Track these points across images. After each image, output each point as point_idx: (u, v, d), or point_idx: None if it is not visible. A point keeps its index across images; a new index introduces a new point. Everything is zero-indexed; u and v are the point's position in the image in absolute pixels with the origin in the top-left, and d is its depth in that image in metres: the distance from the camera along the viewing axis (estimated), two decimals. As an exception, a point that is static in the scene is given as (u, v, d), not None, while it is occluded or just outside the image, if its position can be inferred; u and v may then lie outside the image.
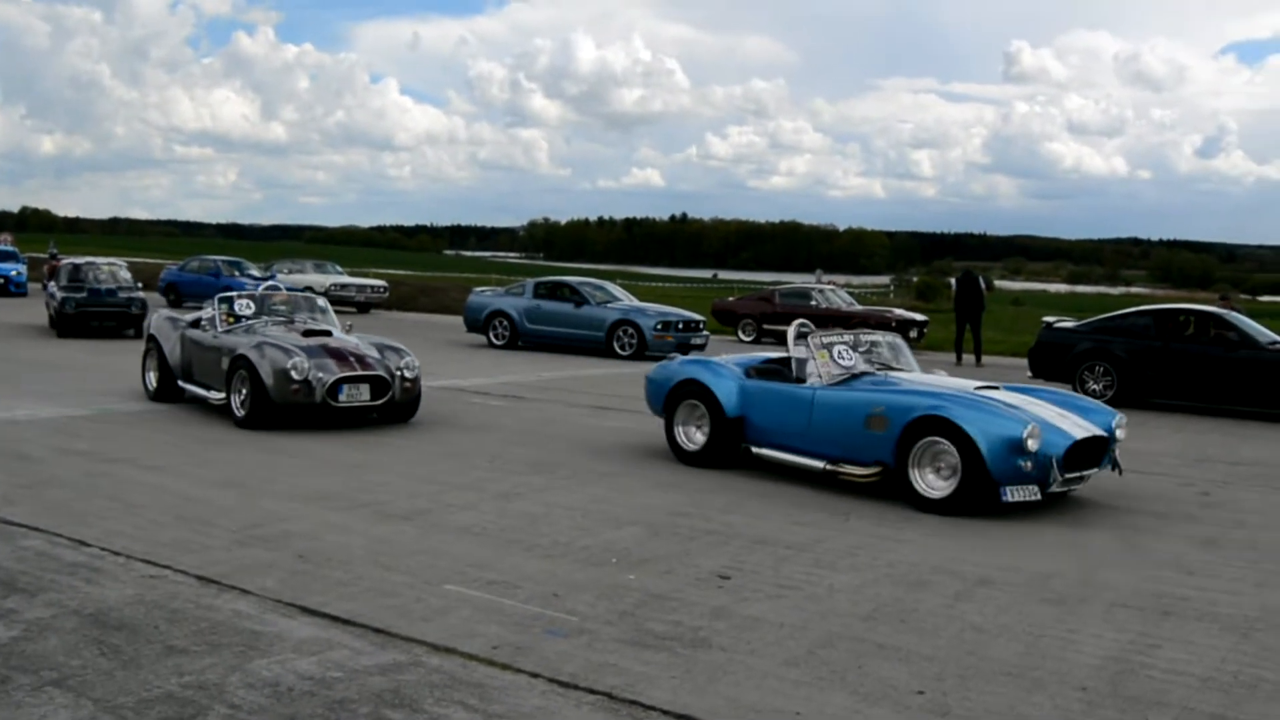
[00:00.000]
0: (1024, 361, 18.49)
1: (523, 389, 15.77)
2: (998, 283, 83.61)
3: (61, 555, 6.57)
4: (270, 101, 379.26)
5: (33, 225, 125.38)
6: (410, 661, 5.05)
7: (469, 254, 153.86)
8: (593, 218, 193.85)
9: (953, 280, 28.19)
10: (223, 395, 11.70)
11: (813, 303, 26.90)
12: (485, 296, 24.24)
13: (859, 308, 27.44)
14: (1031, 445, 8.20)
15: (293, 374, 11.06)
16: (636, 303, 23.43)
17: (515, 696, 4.69)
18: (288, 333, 12.16)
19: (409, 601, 5.93)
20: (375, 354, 11.91)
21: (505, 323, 22.84)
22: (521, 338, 22.46)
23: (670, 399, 10.47)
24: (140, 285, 24.01)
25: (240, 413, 11.38)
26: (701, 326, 22.53)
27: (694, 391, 10.23)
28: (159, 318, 13.70)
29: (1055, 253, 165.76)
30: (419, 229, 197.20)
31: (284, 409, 11.20)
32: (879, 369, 9.83)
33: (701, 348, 22.18)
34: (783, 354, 10.69)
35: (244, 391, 11.33)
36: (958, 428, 8.37)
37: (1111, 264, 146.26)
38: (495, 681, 4.85)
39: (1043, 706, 4.80)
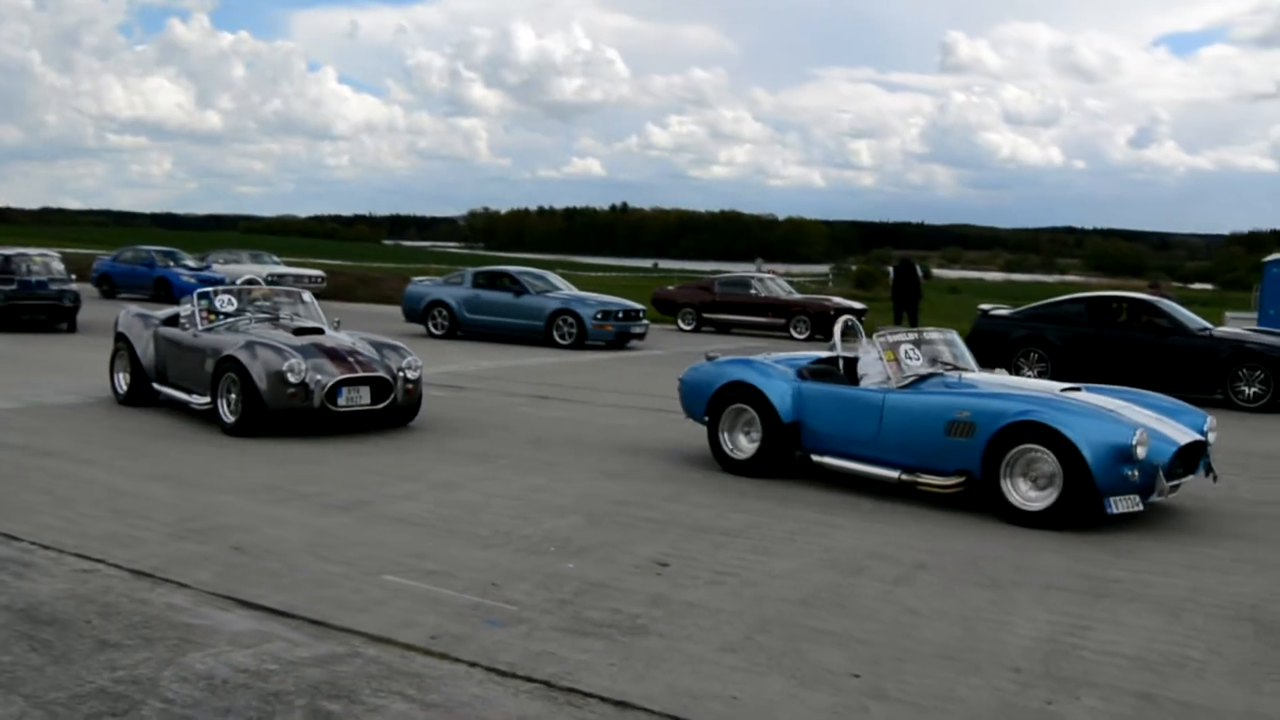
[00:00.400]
0: (960, 349, 18.65)
1: (462, 379, 15.71)
2: (935, 271, 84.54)
3: (-9, 550, 6.46)
4: (205, 90, 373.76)
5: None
6: (348, 653, 5.03)
7: (408, 244, 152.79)
8: (533, 207, 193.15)
9: (890, 269, 28.44)
10: (207, 400, 10.87)
11: (752, 291, 27.02)
12: (424, 286, 24.11)
13: (798, 296, 27.59)
14: (1140, 453, 7.63)
15: (289, 376, 10.22)
16: (576, 292, 23.41)
17: (453, 686, 4.68)
18: (276, 331, 11.37)
19: (347, 593, 5.89)
20: (374, 353, 11.16)
21: (444, 312, 22.73)
22: (461, 327, 22.36)
23: (714, 403, 9.67)
24: (73, 277, 22.86)
25: (229, 419, 10.54)
26: (641, 315, 22.55)
27: (742, 395, 9.45)
28: (127, 315, 12.73)
29: (992, 241, 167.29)
30: (357, 219, 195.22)
31: (278, 415, 10.37)
32: (944, 368, 9.18)
33: (641, 336, 22.23)
34: (829, 352, 10.05)
35: (233, 396, 10.52)
36: (1059, 434, 7.74)
37: (1047, 252, 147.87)
38: (433, 671, 4.84)
39: (977, 688, 4.86)
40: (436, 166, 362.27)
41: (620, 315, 21.84)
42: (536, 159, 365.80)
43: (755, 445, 9.38)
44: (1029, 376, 16.47)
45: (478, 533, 7.26)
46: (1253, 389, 15.22)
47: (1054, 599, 6.22)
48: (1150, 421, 8.15)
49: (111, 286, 31.23)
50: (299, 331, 11.33)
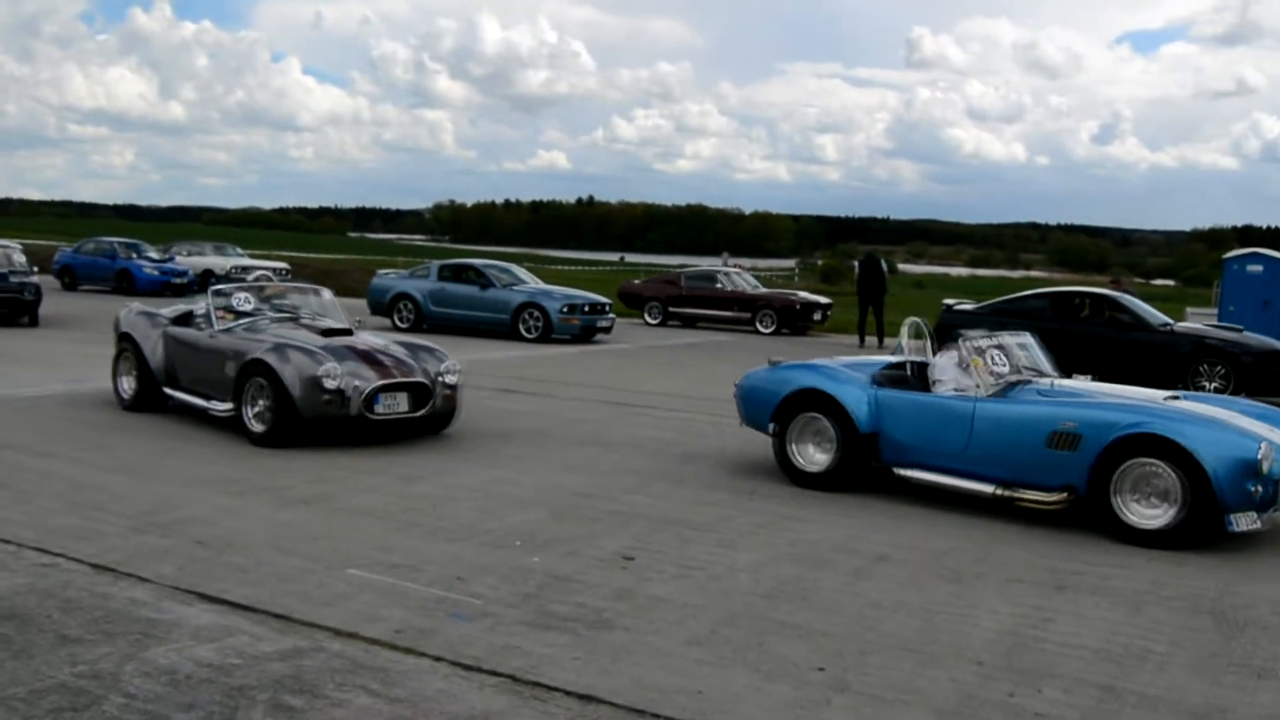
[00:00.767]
0: (925, 343, 18.75)
1: (427, 372, 15.62)
2: (901, 266, 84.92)
3: (-51, 544, 6.39)
4: (168, 80, 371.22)
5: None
6: (311, 647, 5.00)
7: (374, 236, 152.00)
8: (499, 200, 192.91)
9: (856, 263, 28.52)
10: (229, 406, 10.03)
11: (718, 285, 27.06)
12: (389, 279, 24.01)
13: (764, 290, 27.64)
14: (1266, 466, 7.15)
15: (325, 382, 9.41)
16: (542, 285, 23.38)
17: (418, 680, 4.67)
18: (301, 331, 10.55)
19: (310, 587, 5.87)
20: (408, 357, 10.33)
21: (410, 305, 22.64)
22: (426, 320, 22.28)
23: (781, 412, 9.02)
24: (35, 269, 22.23)
25: (257, 428, 9.72)
26: (608, 309, 22.55)
27: (814, 403, 8.78)
28: (131, 313, 11.81)
29: (957, 237, 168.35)
30: (322, 211, 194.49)
31: (312, 423, 9.60)
32: (1029, 374, 8.70)
33: (608, 330, 22.22)
34: (897, 357, 9.37)
35: (261, 403, 9.69)
36: (1179, 447, 7.21)
37: (1011, 248, 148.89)
38: (398, 666, 4.83)
39: (939, 680, 4.89)
40: (402, 159, 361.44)
41: (586, 309, 21.82)
42: (502, 152, 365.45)
43: (829, 457, 8.72)
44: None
45: (442, 526, 7.24)
46: (1213, 384, 15.36)
47: (1016, 591, 6.27)
48: (1265, 432, 7.61)
49: (73, 278, 30.94)
50: (327, 333, 10.57)
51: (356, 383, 9.63)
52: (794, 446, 8.95)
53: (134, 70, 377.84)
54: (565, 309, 21.42)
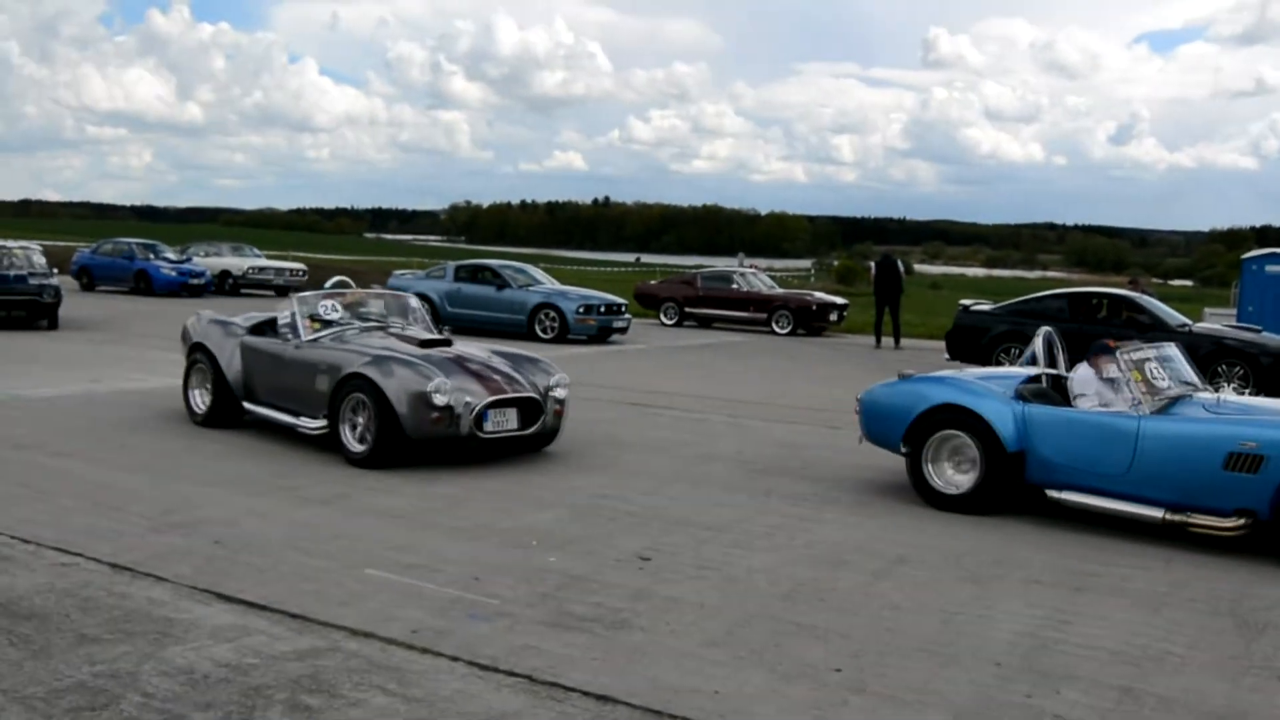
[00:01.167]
0: (942, 344, 18.75)
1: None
2: (917, 267, 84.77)
3: (-31, 544, 6.42)
4: (185, 81, 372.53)
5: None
6: (329, 647, 5.01)
7: (390, 237, 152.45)
8: (515, 201, 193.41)
9: (872, 264, 28.48)
10: (321, 424, 9.36)
11: (734, 286, 27.05)
12: (406, 280, 24.07)
13: (780, 291, 27.62)
14: None
15: (435, 399, 8.71)
16: (558, 286, 23.42)
17: (435, 680, 4.67)
18: (395, 341, 9.85)
19: (327, 586, 5.87)
20: (515, 369, 9.65)
21: (426, 306, 22.59)
22: (443, 321, 22.29)
23: (915, 429, 8.39)
24: (55, 270, 21.41)
25: (357, 448, 9.02)
26: (624, 310, 22.56)
27: (953, 420, 8.19)
28: (203, 322, 11.11)
29: (973, 237, 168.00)
30: (339, 212, 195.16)
31: (419, 443, 8.95)
32: (1187, 388, 8.11)
33: (623, 331, 22.22)
34: (1032, 369, 8.95)
35: (362, 421, 9.01)
36: None
37: (1028, 248, 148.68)
38: (415, 665, 4.83)
39: (957, 681, 4.87)
40: (418, 159, 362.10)
41: (602, 309, 21.83)
42: (518, 152, 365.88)
43: (971, 478, 8.12)
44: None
45: (459, 526, 7.25)
46: (1231, 385, 15.29)
47: (1034, 593, 6.25)
48: None
49: (91, 279, 31.06)
50: (425, 343, 9.84)
51: (467, 399, 8.92)
52: (929, 468, 8.33)
53: (152, 71, 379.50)
54: (581, 309, 21.44)
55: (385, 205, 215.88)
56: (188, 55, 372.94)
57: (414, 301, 11.24)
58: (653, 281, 30.41)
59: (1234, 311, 24.36)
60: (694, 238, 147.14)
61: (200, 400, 10.79)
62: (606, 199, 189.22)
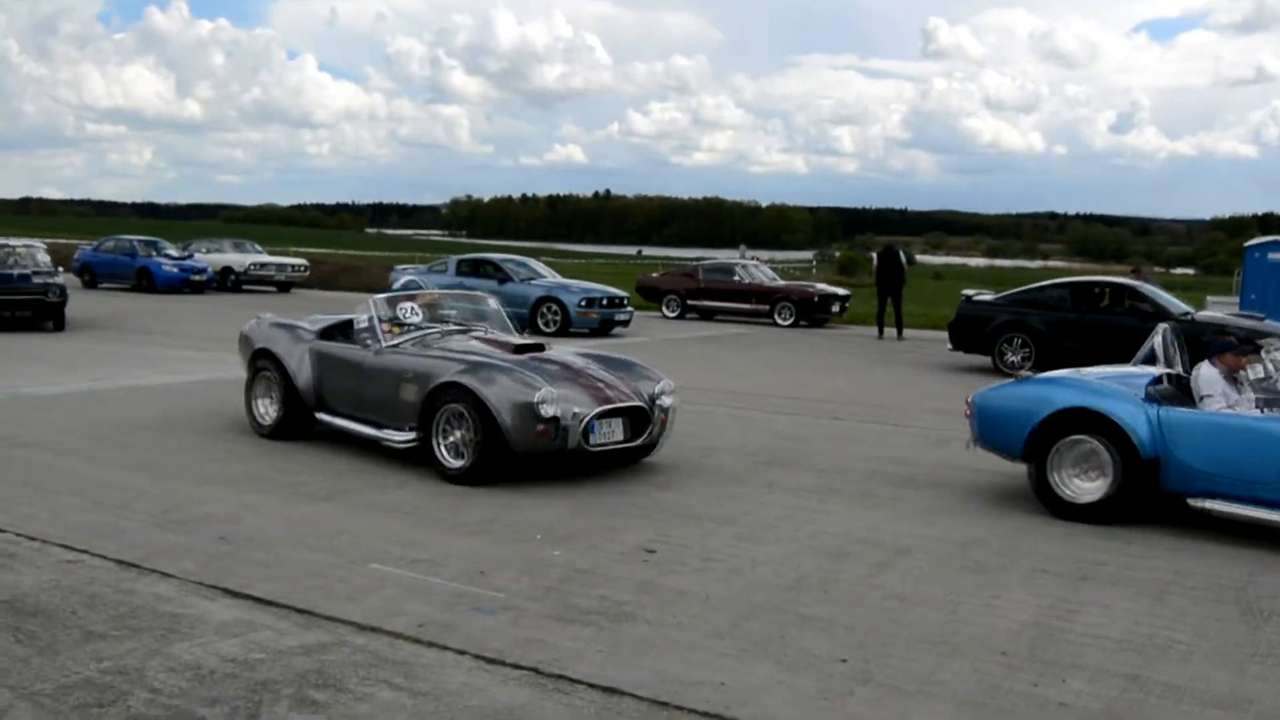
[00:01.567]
0: (944, 334, 18.75)
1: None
2: (919, 257, 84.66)
3: (-26, 542, 6.43)
4: (185, 78, 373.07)
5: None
6: (335, 641, 5.02)
7: (391, 232, 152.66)
8: (516, 195, 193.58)
9: (874, 255, 28.47)
10: (410, 437, 8.67)
11: (736, 278, 27.02)
12: (408, 275, 24.08)
13: (782, 283, 27.60)
14: None
15: (542, 409, 8.03)
16: (560, 279, 23.43)
17: (441, 674, 4.68)
18: (486, 347, 9.15)
19: (333, 581, 5.88)
20: (618, 376, 9.00)
21: (428, 300, 22.68)
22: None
23: (1040, 435, 7.83)
24: (60, 270, 20.85)
25: (454, 463, 8.34)
26: (625, 303, 22.56)
27: (1083, 424, 7.63)
28: (264, 326, 10.51)
29: (975, 227, 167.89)
30: (340, 207, 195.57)
31: (523, 457, 8.29)
32: None
33: (626, 324, 22.22)
34: (1155, 369, 8.55)
35: (458, 434, 8.33)
36: None
37: (1029, 238, 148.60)
38: (421, 659, 4.83)
39: (962, 672, 4.88)
40: (418, 154, 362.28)
41: (604, 302, 21.83)
42: (519, 146, 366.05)
43: (1103, 486, 7.60)
44: (1012, 361, 16.62)
45: (462, 521, 7.25)
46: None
47: (1039, 583, 6.25)
48: None
49: (93, 277, 31.06)
50: (519, 349, 9.12)
51: (575, 409, 8.26)
52: (1055, 475, 7.79)
53: (151, 69, 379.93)
54: (583, 303, 21.44)
55: (386, 200, 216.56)
56: (186, 52, 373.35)
57: (493, 302, 10.60)
58: (654, 274, 30.40)
59: (1237, 299, 24.35)
60: (695, 230, 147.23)
61: (266, 411, 10.07)
62: (607, 192, 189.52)
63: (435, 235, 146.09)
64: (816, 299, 25.73)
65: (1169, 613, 5.79)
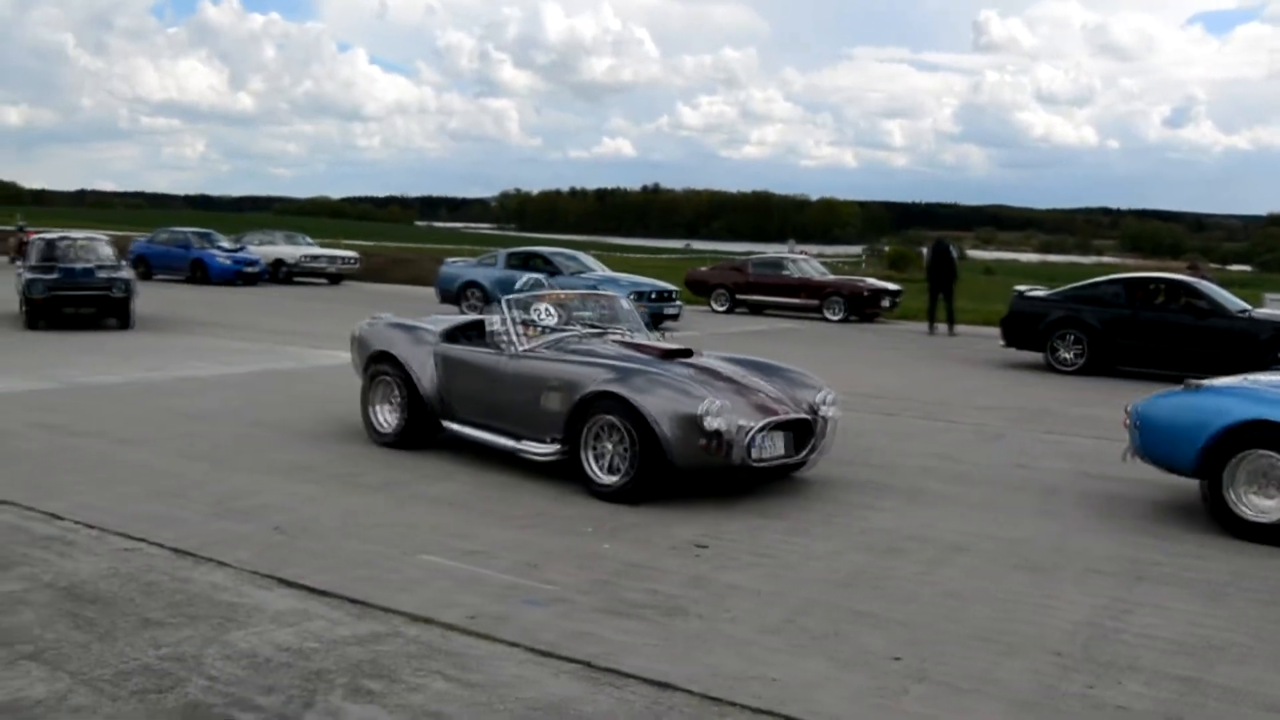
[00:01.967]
0: (996, 330, 18.60)
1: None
2: (969, 252, 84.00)
3: (33, 529, 6.52)
4: (237, 71, 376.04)
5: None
6: (388, 632, 5.05)
7: (441, 225, 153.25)
8: (564, 188, 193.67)
9: (925, 250, 28.29)
10: (553, 449, 8.04)
11: (785, 272, 26.94)
12: (458, 267, 24.22)
13: (832, 277, 27.49)
14: None
15: (707, 422, 7.35)
16: (609, 273, 23.47)
17: (493, 665, 4.70)
18: (629, 350, 8.53)
19: (386, 572, 5.92)
20: (775, 384, 8.35)
21: (478, 293, 22.77)
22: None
23: (1215, 449, 7.26)
24: (124, 263, 19.83)
25: (606, 480, 7.70)
26: (674, 296, 22.54)
27: (1263, 438, 7.08)
28: (383, 327, 9.80)
29: (1026, 222, 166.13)
30: (390, 200, 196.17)
31: (684, 474, 7.67)
32: None
33: (675, 318, 22.19)
34: None
35: (612, 448, 7.70)
36: None
37: (1082, 233, 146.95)
38: (473, 651, 4.85)
39: (1017, 670, 4.84)
40: (468, 147, 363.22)
41: (653, 296, 21.82)
42: (567, 139, 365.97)
43: None
44: (1065, 358, 16.46)
45: (513, 513, 7.28)
46: (1294, 371, 15.05)
47: (1094, 582, 6.18)
48: None
49: (148, 268, 31.39)
50: (667, 354, 8.43)
51: (740, 422, 7.60)
52: (1229, 492, 7.24)
53: (204, 62, 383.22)
54: (632, 296, 21.34)
55: (435, 193, 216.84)
56: (239, 46, 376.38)
57: (625, 302, 10.01)
58: (703, 268, 30.34)
59: (1294, 296, 23.94)
60: (744, 224, 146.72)
61: (386, 418, 9.44)
62: (656, 185, 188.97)
63: (484, 228, 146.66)
64: (867, 294, 25.61)
65: (1226, 614, 5.72)
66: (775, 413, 7.89)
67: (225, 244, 31.78)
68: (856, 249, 76.31)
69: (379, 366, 9.48)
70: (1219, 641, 5.30)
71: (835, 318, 25.14)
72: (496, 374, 8.63)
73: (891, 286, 26.88)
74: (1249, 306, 16.72)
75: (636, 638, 5.08)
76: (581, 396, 7.83)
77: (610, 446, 7.73)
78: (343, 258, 34.01)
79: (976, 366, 17.35)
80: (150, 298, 23.93)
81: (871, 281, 27.53)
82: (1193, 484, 7.84)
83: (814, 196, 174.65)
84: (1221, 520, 7.33)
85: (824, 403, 8.20)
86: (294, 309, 23.97)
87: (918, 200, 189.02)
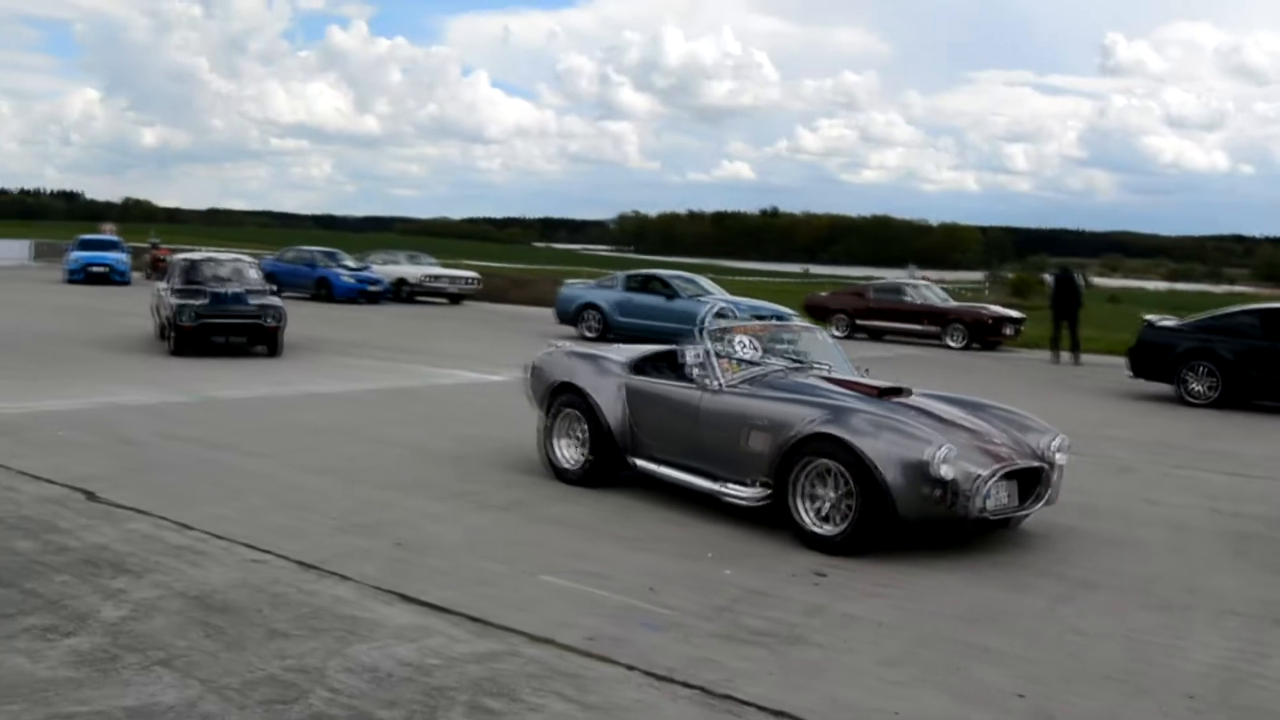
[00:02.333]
0: (1121, 360, 18.15)
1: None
2: (1094, 279, 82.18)
3: (167, 538, 6.70)
4: (364, 94, 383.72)
5: (134, 216, 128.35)
6: (507, 651, 5.08)
7: (559, 246, 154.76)
8: (682, 211, 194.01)
9: (1049, 277, 27.75)
10: (759, 494, 7.47)
11: (906, 298, 26.63)
12: (577, 289, 24.38)
13: (954, 304, 27.10)
14: None
15: (939, 470, 6.75)
16: (728, 296, 23.37)
17: (612, 688, 4.70)
18: (839, 388, 7.91)
19: (505, 591, 5.96)
20: (999, 426, 7.69)
21: (597, 315, 22.93)
22: (612, 330, 22.50)
23: None
24: (274, 288, 18.65)
25: (821, 530, 7.08)
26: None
27: None
28: (563, 356, 9.31)
29: (1154, 249, 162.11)
30: (510, 221, 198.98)
31: (909, 526, 7.03)
32: None
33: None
34: None
35: (829, 495, 7.07)
36: None
37: (1213, 261, 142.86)
38: (591, 673, 4.86)
39: (1148, 713, 4.70)
40: (587, 170, 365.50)
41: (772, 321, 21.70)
42: (686, 162, 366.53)
43: None
44: (1197, 390, 15.98)
45: (632, 536, 7.28)
46: None
47: (1229, 624, 5.98)
48: None
49: (278, 286, 32.14)
50: (883, 392, 7.90)
51: (974, 470, 6.95)
52: None
53: (332, 85, 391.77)
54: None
55: (555, 215, 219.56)
56: (365, 69, 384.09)
57: (825, 336, 9.36)
58: (822, 293, 30.15)
59: None
60: (862, 248, 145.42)
61: (570, 454, 8.90)
62: (774, 209, 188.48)
63: (602, 250, 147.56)
64: (990, 321, 25.21)
65: (1372, 661, 5.49)
66: (1007, 460, 7.22)
67: (350, 263, 32.48)
68: (978, 275, 75.25)
69: (563, 398, 8.94)
70: (1363, 690, 5.09)
71: (957, 345, 24.78)
72: (694, 410, 8.04)
73: (1014, 314, 26.41)
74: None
75: (755, 665, 5.04)
76: (793, 438, 7.23)
77: (824, 493, 7.12)
78: (464, 278, 34.48)
79: (1103, 397, 16.95)
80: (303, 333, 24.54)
81: (995, 308, 27.08)
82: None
83: (935, 221, 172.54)
84: None
85: (1055, 448, 7.56)
86: (416, 328, 24.36)
87: (1041, 226, 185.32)
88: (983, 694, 4.83)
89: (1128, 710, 4.72)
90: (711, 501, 8.04)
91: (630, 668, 4.93)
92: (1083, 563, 7.08)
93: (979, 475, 6.91)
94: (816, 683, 4.86)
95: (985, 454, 7.16)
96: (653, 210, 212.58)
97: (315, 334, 20.95)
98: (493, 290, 36.14)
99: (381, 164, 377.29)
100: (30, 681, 4.47)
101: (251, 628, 5.22)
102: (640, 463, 8.46)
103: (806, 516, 7.16)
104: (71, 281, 34.38)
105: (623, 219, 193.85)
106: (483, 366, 16.91)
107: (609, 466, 8.63)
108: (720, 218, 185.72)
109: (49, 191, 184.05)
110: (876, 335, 26.41)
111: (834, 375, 8.33)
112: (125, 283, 35.01)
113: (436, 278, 33.48)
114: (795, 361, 8.52)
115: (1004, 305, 30.55)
